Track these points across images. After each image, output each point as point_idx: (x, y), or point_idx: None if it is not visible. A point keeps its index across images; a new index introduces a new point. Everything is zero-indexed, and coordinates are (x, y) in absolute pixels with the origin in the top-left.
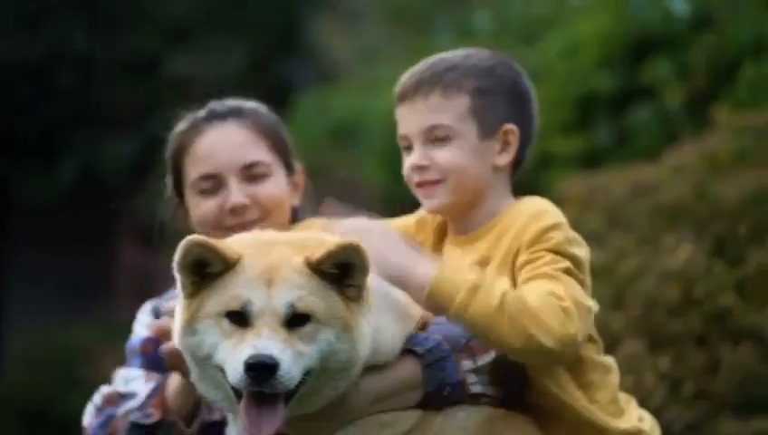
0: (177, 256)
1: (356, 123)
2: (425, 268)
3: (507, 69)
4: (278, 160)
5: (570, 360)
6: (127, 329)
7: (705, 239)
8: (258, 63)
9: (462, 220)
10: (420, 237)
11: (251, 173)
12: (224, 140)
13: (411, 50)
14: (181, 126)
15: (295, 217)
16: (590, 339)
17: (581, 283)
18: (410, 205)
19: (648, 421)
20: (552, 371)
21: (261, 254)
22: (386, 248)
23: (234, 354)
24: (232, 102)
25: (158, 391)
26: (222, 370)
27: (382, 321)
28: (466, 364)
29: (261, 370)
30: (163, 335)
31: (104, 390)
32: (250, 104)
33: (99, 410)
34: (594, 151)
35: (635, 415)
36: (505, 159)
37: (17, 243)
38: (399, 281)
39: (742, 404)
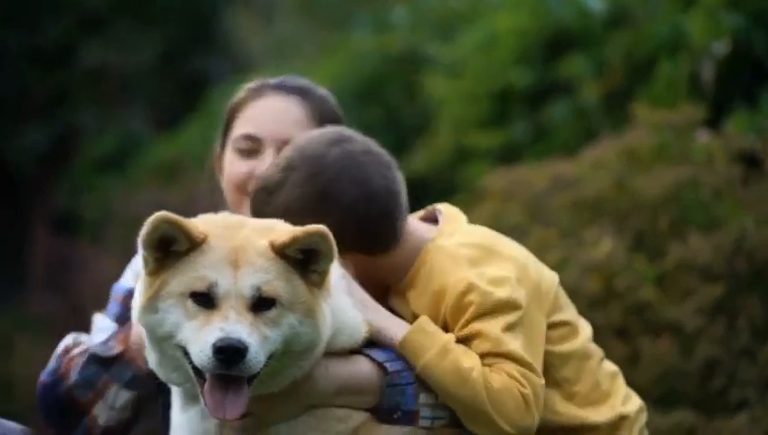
0: (143, 231)
1: None
2: (399, 325)
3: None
4: None
5: None
6: (42, 320)
7: (625, 233)
8: (172, 55)
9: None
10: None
11: None
12: (278, 111)
13: (328, 44)
14: (250, 84)
15: None
16: (563, 324)
17: (518, 322)
18: None
19: (633, 401)
20: None
21: (227, 235)
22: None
23: (200, 336)
24: (304, 81)
25: (124, 330)
26: (184, 350)
27: (342, 303)
28: (426, 398)
29: (230, 353)
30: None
31: (67, 340)
32: (321, 90)
33: (57, 358)
34: (511, 146)
35: (619, 397)
36: None
37: None
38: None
39: (662, 397)
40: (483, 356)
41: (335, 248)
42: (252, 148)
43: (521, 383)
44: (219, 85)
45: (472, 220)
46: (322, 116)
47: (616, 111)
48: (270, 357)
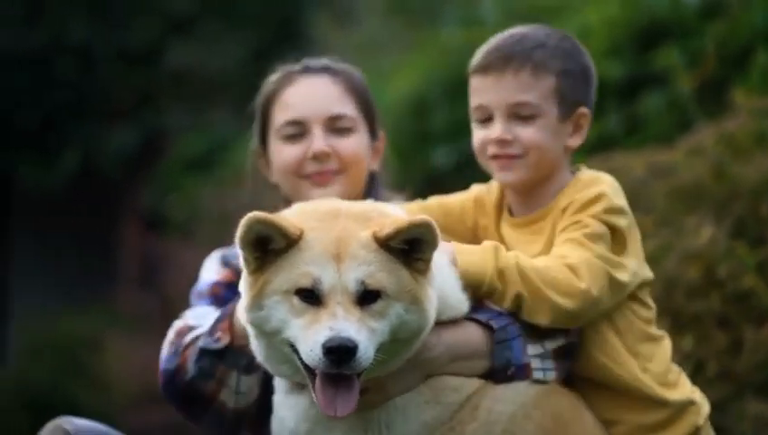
0: (238, 233)
1: None
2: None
3: (580, 51)
4: (363, 121)
5: (590, 318)
6: (131, 316)
7: (725, 220)
8: (258, 55)
9: (526, 199)
10: (483, 220)
11: (336, 126)
12: (314, 90)
13: (417, 41)
14: (274, 76)
15: (373, 182)
16: (643, 305)
17: (618, 250)
18: (420, 186)
19: (699, 394)
20: (602, 342)
21: (325, 228)
22: None
23: (309, 335)
24: (326, 60)
25: (226, 316)
26: (292, 345)
27: (445, 273)
28: (533, 349)
29: (341, 353)
30: None
31: (177, 324)
32: (344, 65)
33: (171, 343)
34: (605, 138)
35: (688, 387)
36: (577, 141)
37: (20, 232)
38: None
39: (765, 384)
40: (562, 242)
41: (439, 236)
42: (298, 132)
43: (564, 257)
44: None
45: None
46: (354, 87)
47: (710, 101)
48: (378, 349)
